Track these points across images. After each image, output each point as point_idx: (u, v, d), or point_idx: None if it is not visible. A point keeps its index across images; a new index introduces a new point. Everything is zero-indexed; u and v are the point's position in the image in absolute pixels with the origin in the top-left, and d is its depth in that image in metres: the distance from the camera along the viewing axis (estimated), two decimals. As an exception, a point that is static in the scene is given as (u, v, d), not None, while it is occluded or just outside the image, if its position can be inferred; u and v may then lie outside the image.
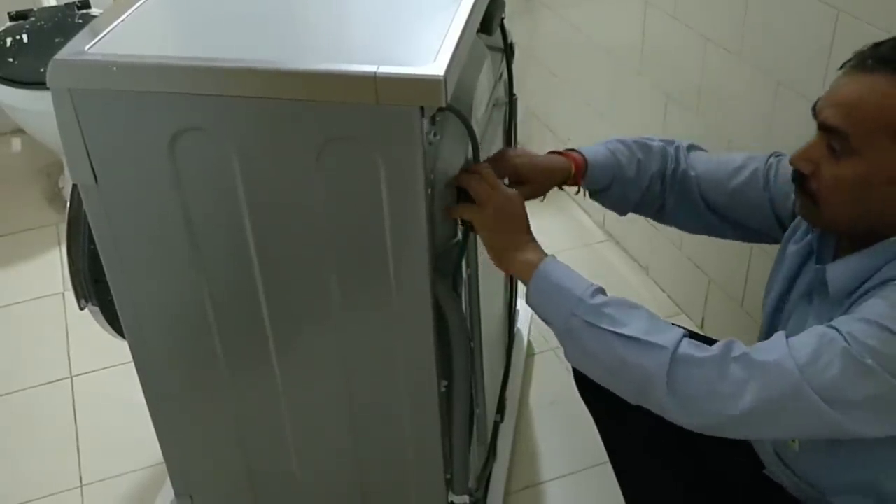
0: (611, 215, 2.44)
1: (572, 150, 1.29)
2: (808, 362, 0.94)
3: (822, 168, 1.01)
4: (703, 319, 2.01)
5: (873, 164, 0.97)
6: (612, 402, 1.29)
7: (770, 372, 0.95)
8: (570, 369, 1.30)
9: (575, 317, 1.02)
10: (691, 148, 1.33)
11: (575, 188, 1.30)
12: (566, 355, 1.07)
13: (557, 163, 1.27)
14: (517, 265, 1.09)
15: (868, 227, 1.02)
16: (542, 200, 1.29)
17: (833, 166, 1.00)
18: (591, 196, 1.34)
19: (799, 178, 1.05)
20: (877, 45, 1.00)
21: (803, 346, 0.96)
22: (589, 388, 1.36)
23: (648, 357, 0.98)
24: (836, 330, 0.95)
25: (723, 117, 1.79)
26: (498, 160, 1.24)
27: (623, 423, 1.24)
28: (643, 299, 2.11)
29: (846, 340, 0.93)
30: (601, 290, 1.05)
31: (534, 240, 1.11)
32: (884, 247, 1.01)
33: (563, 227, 2.40)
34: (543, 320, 1.09)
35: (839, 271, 1.04)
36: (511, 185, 1.20)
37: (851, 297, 1.03)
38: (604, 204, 1.35)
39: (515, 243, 1.10)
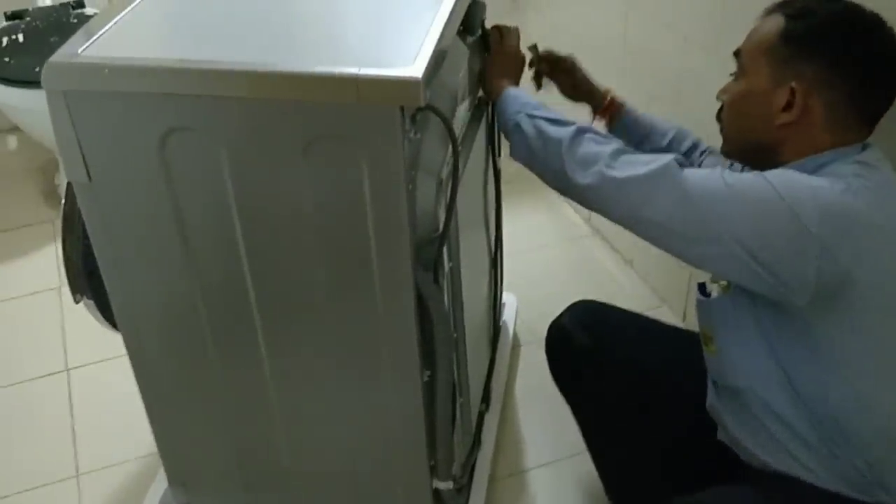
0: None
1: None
2: (687, 171, 1.10)
3: None
4: (684, 312, 2.05)
5: (752, 81, 1.15)
6: (587, 389, 1.36)
7: (654, 166, 1.10)
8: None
9: (520, 113, 1.26)
10: (712, 151, 1.45)
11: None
12: (511, 150, 1.28)
13: (597, 88, 1.51)
14: (494, 86, 1.35)
15: (756, 150, 1.15)
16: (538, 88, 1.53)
17: (732, 87, 1.19)
18: None
19: (718, 112, 1.22)
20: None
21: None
22: (564, 378, 1.44)
23: (563, 129, 1.19)
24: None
25: (706, 114, 1.82)
26: (562, 58, 1.50)
27: (597, 409, 1.31)
28: (627, 292, 2.16)
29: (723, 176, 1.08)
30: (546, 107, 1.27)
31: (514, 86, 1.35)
32: None
33: (549, 221, 2.43)
34: (501, 125, 1.32)
35: None
36: (543, 74, 1.51)
37: None
38: None
39: (501, 78, 1.36)
